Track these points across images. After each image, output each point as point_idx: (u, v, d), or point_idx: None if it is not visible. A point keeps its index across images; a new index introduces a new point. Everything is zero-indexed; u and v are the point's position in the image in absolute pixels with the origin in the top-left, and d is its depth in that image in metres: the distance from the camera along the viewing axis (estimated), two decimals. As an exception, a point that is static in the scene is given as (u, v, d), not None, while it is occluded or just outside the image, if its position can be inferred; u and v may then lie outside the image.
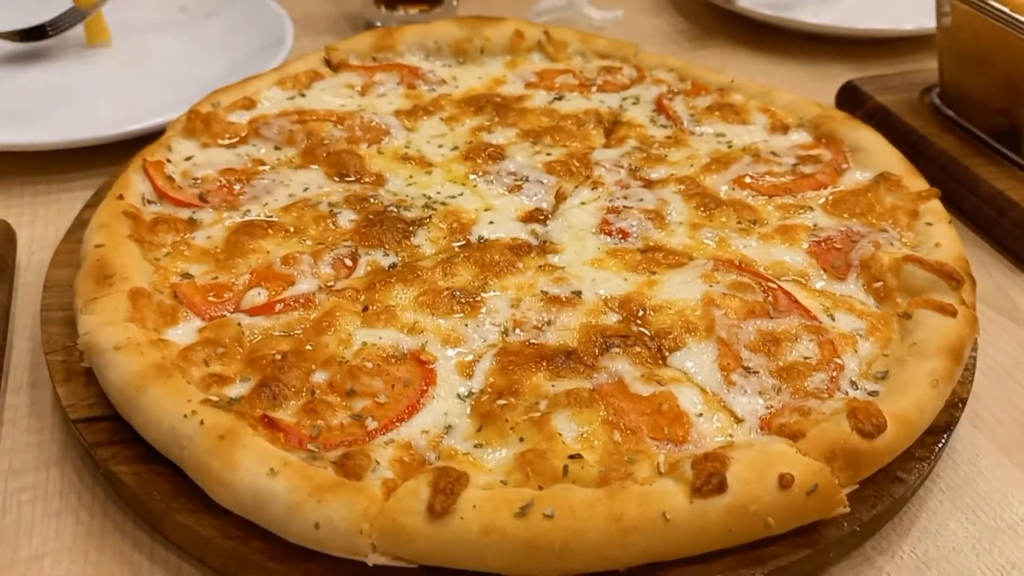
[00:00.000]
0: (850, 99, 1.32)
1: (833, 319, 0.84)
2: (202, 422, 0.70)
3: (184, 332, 0.81)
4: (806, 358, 0.79)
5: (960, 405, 0.80)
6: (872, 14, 1.59)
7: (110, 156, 1.14)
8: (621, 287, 0.87)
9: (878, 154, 1.06)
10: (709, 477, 0.65)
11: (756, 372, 0.78)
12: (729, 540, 0.66)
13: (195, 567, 0.72)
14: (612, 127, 1.15)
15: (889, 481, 0.73)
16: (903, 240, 0.93)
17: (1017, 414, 0.88)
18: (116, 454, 0.74)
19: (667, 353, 0.80)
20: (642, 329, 0.82)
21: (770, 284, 0.87)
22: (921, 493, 0.79)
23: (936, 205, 0.97)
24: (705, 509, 0.65)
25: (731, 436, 0.72)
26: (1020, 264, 1.07)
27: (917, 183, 1.00)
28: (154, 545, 0.74)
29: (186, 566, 0.73)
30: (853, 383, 0.78)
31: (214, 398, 0.74)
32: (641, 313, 0.84)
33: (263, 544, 0.67)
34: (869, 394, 0.76)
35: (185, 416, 0.70)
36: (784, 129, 1.13)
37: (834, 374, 0.78)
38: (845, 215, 0.97)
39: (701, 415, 0.74)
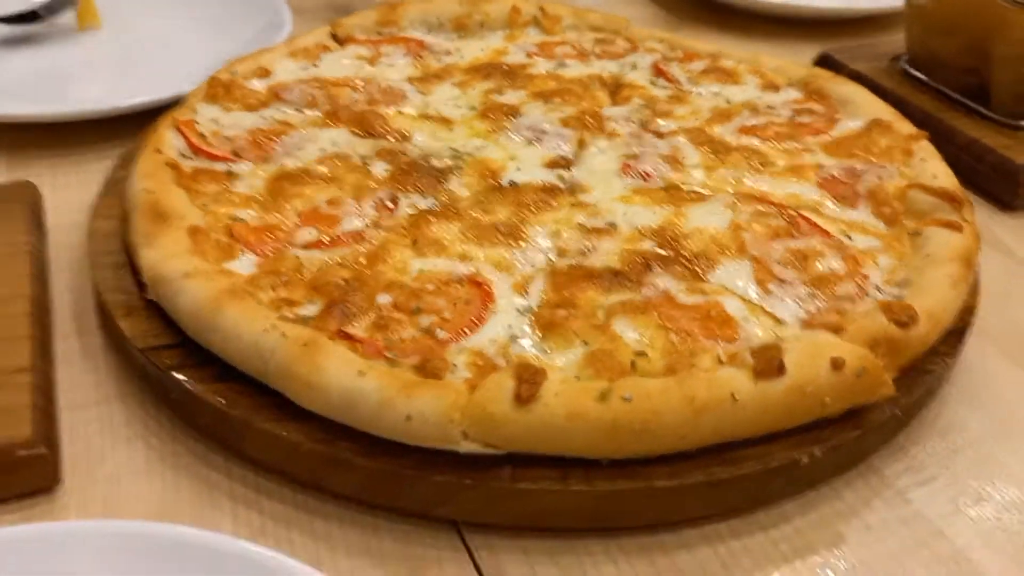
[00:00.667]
0: (826, 68, 1.41)
1: (850, 239, 0.90)
2: (284, 335, 0.72)
3: (244, 264, 0.83)
4: (833, 270, 0.85)
5: (971, 311, 0.87)
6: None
7: (119, 130, 1.15)
8: (652, 219, 0.92)
9: (866, 105, 1.14)
10: (770, 360, 0.70)
11: (790, 283, 0.84)
12: (791, 419, 0.72)
13: (272, 482, 0.75)
14: (616, 89, 1.21)
15: (919, 374, 0.80)
16: (902, 174, 1.00)
17: (1016, 327, 0.95)
18: (190, 375, 0.76)
19: (705, 271, 0.86)
20: (679, 254, 0.87)
21: (789, 211, 0.93)
22: (942, 394, 0.86)
23: (927, 145, 1.05)
24: (768, 390, 0.70)
25: (777, 335, 0.78)
26: (1000, 204, 1.16)
27: (906, 127, 1.08)
28: (229, 466, 0.76)
29: (263, 482, 0.75)
30: (879, 288, 0.84)
31: (290, 315, 0.76)
32: (675, 240, 0.89)
33: (351, 444, 0.70)
34: (895, 297, 0.82)
35: (265, 331, 0.73)
36: (775, 88, 1.21)
37: (861, 282, 0.84)
38: (846, 156, 1.04)
39: (747, 319, 0.79)
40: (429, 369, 0.71)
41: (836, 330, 0.76)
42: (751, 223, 0.90)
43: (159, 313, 0.81)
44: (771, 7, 1.64)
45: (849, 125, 1.11)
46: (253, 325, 0.74)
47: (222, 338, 0.74)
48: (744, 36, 1.61)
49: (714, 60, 1.27)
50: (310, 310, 0.78)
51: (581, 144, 1.06)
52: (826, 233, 0.91)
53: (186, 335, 0.78)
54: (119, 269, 0.87)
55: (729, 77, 1.23)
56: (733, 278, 0.84)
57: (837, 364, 0.71)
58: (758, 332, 0.78)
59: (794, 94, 1.19)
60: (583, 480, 0.69)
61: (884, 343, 0.75)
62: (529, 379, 0.68)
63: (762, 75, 1.23)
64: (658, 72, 1.25)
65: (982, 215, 1.14)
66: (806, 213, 0.93)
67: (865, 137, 1.07)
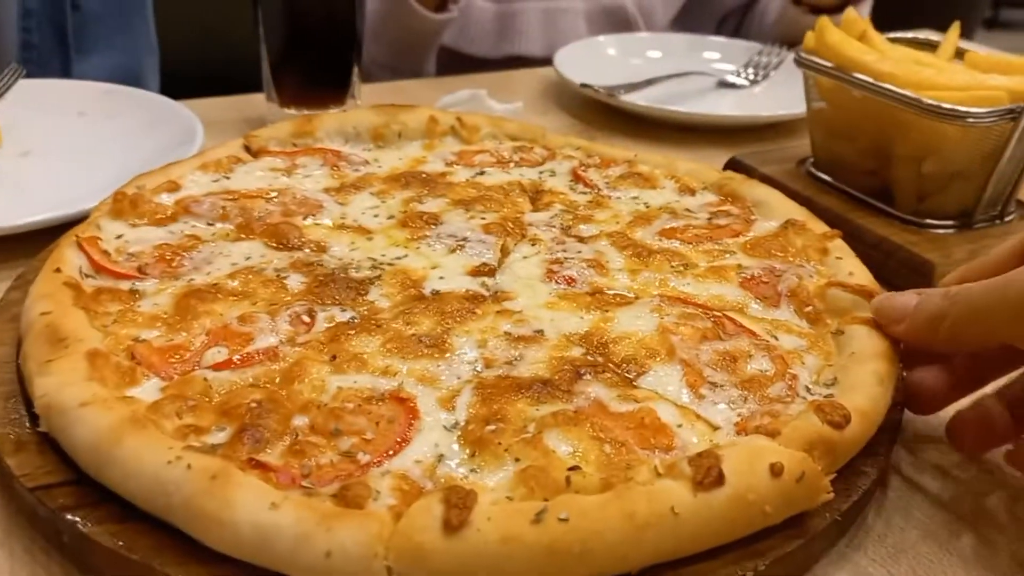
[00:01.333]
0: (736, 172, 1.44)
1: (777, 339, 0.90)
2: (189, 466, 0.67)
3: (147, 390, 0.78)
4: (763, 371, 0.85)
5: (900, 408, 0.87)
6: (740, 106, 1.77)
7: (17, 250, 1.09)
8: (579, 324, 0.91)
9: (779, 206, 1.16)
10: (708, 470, 0.68)
11: (721, 386, 0.82)
12: (733, 531, 0.69)
13: (179, 633, 0.68)
14: (536, 195, 1.21)
15: (855, 475, 0.78)
16: (820, 272, 1.01)
17: (946, 419, 0.95)
18: (86, 516, 0.69)
19: (636, 377, 0.84)
20: (608, 361, 0.85)
21: (714, 313, 0.93)
22: (880, 496, 0.84)
23: (840, 243, 1.07)
24: (709, 501, 0.67)
25: (712, 441, 0.76)
26: (911, 298, 1.19)
27: (820, 226, 1.10)
28: (130, 617, 0.69)
29: (169, 633, 0.68)
30: (808, 389, 0.83)
31: (196, 444, 0.71)
32: (603, 345, 0.87)
33: (266, 586, 0.64)
34: (825, 396, 0.82)
35: (169, 462, 0.67)
36: (691, 191, 1.23)
37: (791, 382, 0.83)
38: (764, 256, 1.05)
39: (680, 425, 0.77)
40: (350, 497, 0.66)
41: (771, 434, 0.75)
42: (678, 326, 0.89)
43: (54, 447, 0.74)
44: (681, 116, 1.69)
45: (765, 226, 1.13)
46: (155, 457, 0.68)
47: (121, 473, 0.68)
48: (656, 144, 1.65)
49: (631, 165, 1.29)
50: (219, 437, 0.73)
51: (504, 251, 1.05)
52: (752, 333, 0.90)
53: (83, 471, 0.72)
54: (9, 400, 0.80)
55: (647, 181, 1.25)
56: (664, 383, 0.83)
57: (776, 470, 0.69)
58: (693, 439, 0.76)
59: (710, 197, 1.21)
60: (520, 611, 0.64)
61: (820, 445, 0.74)
62: (459, 503, 0.63)
63: (678, 179, 1.25)
64: (577, 178, 1.26)
65: (898, 311, 1.16)
66: (731, 314, 0.93)
67: (781, 237, 1.08)
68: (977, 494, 0.85)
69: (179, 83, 1.85)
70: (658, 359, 0.85)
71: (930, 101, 1.17)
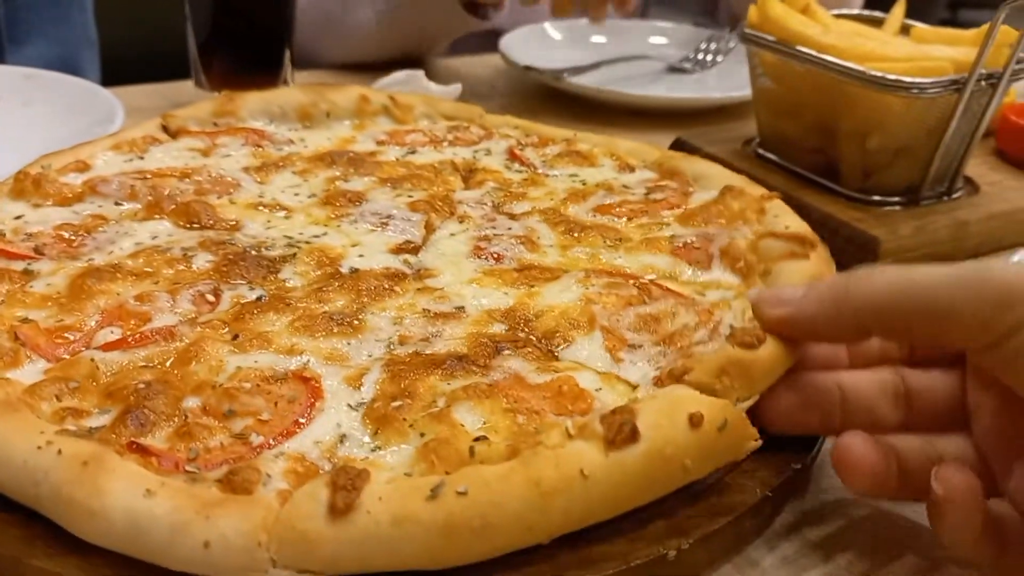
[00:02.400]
0: (681, 152, 1.41)
1: (704, 295, 0.87)
2: (60, 451, 0.61)
3: (31, 372, 0.72)
4: (686, 325, 0.81)
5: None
6: (688, 90, 1.74)
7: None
8: (503, 300, 0.86)
9: (719, 177, 1.11)
10: (620, 427, 0.63)
11: (640, 346, 0.79)
12: (651, 491, 0.64)
13: (52, 632, 0.62)
14: (469, 174, 1.16)
15: (788, 450, 0.74)
16: (755, 232, 0.97)
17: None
18: (-51, 509, 0.63)
19: (557, 351, 0.79)
20: (530, 335, 0.81)
21: (641, 280, 0.89)
22: (816, 475, 0.80)
23: (779, 203, 1.02)
24: (622, 459, 0.62)
25: (632, 400, 0.71)
26: (857, 275, 1.15)
27: (758, 190, 1.06)
28: (-1, 614, 0.63)
29: (40, 632, 0.62)
30: (731, 327, 0.78)
31: (72, 427, 0.65)
32: (526, 320, 0.82)
33: (141, 580, 0.58)
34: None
35: (39, 448, 0.61)
36: (631, 169, 1.18)
37: (713, 327, 0.80)
38: (700, 224, 1.00)
39: (600, 389, 0.73)
40: (237, 482, 0.61)
41: (683, 372, 0.71)
42: (602, 296, 0.85)
43: (-81, 437, 0.68)
44: (627, 98, 1.65)
45: (703, 196, 1.08)
46: (25, 442, 0.62)
47: (-13, 460, 0.62)
48: (602, 128, 1.59)
49: (569, 144, 1.24)
50: (100, 420, 0.67)
51: (429, 228, 1.00)
52: (679, 294, 0.86)
53: (-51, 460, 0.65)
54: None
55: (585, 160, 1.20)
56: (584, 352, 0.78)
57: (695, 420, 0.64)
58: (612, 401, 0.71)
59: (649, 174, 1.17)
60: (421, 599, 0.59)
61: (732, 368, 0.70)
62: (347, 485, 0.58)
63: (617, 157, 1.21)
64: (513, 157, 1.21)
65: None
66: (660, 281, 0.89)
67: (719, 204, 1.03)
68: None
69: (119, 76, 1.78)
70: (580, 330, 0.80)
71: (874, 72, 1.14)
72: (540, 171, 1.17)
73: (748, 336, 0.71)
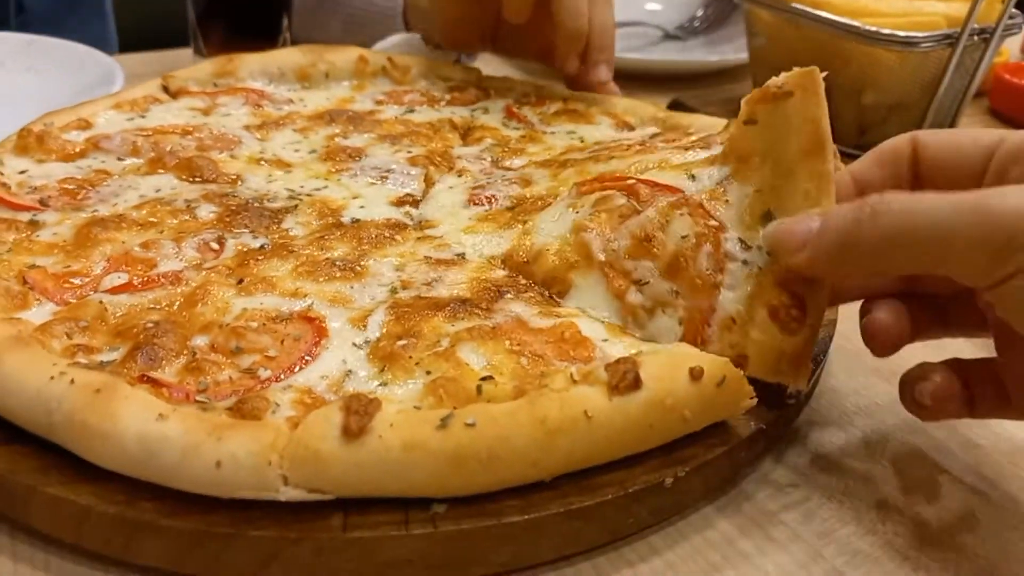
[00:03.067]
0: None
1: (694, 179, 0.80)
2: (72, 381, 0.63)
3: (38, 314, 0.73)
4: (683, 236, 0.76)
5: (833, 324, 0.85)
6: (684, 54, 1.75)
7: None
8: (500, 245, 0.87)
9: (719, 126, 1.12)
10: (624, 374, 0.65)
11: (647, 282, 0.76)
12: (650, 437, 0.66)
13: (66, 558, 0.63)
14: (467, 132, 1.17)
15: (781, 387, 0.75)
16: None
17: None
18: (-36, 440, 0.65)
19: (559, 298, 0.80)
20: (530, 281, 0.82)
21: (627, 182, 0.85)
22: (809, 411, 0.82)
23: None
24: (624, 405, 0.64)
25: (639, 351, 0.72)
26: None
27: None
28: (15, 544, 0.64)
29: (55, 559, 0.63)
30: (742, 242, 0.74)
31: (83, 361, 0.66)
32: (523, 264, 0.83)
33: (154, 503, 0.60)
34: (759, 248, 0.73)
35: (52, 378, 0.63)
36: (629, 127, 1.19)
37: (715, 242, 0.74)
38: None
39: (606, 340, 0.74)
40: (246, 410, 0.62)
41: (741, 364, 0.70)
42: (593, 218, 0.81)
43: (-67, 374, 0.69)
44: (623, 62, 1.65)
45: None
46: (38, 373, 0.64)
47: (2, 391, 0.64)
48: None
49: (567, 103, 1.25)
50: (111, 356, 0.69)
51: (428, 181, 1.01)
52: (667, 187, 0.81)
53: (-37, 396, 0.67)
54: None
55: (582, 118, 1.21)
56: (589, 299, 0.78)
57: (695, 374, 0.66)
58: (616, 352, 0.72)
59: (652, 129, 1.17)
60: (427, 522, 0.60)
61: (786, 359, 0.70)
62: (360, 410, 0.60)
63: (614, 115, 1.22)
64: (510, 115, 1.22)
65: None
66: (648, 175, 0.85)
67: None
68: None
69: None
70: (578, 270, 0.79)
71: (868, 27, 1.16)
72: (538, 128, 1.18)
73: (789, 320, 0.70)
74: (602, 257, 0.79)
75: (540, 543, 0.63)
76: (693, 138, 1.02)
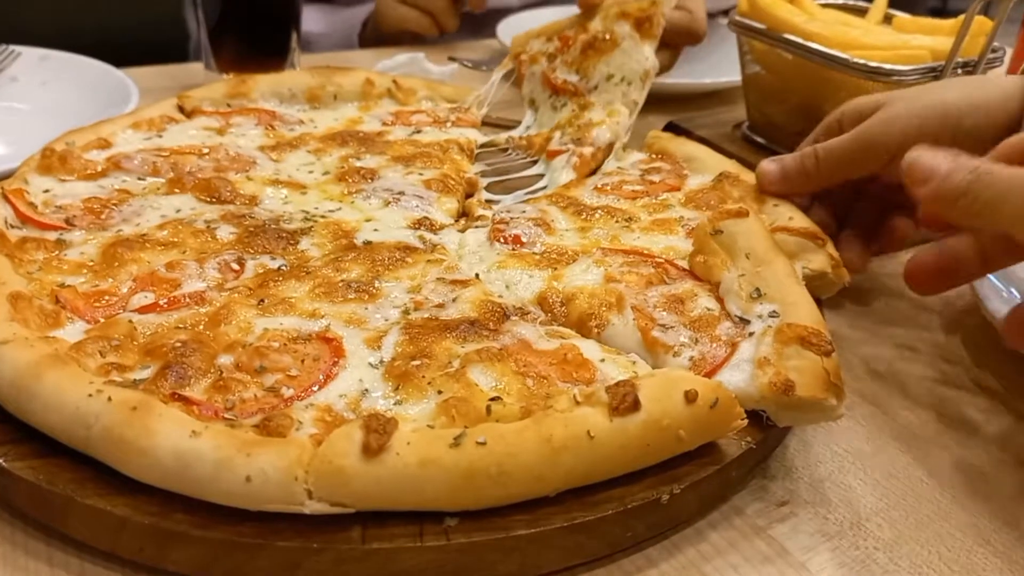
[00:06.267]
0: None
1: None
2: (110, 398, 0.67)
3: (71, 332, 0.78)
4: (709, 309, 0.86)
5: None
6: (679, 76, 1.80)
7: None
8: (531, 286, 0.91)
9: (709, 160, 1.18)
10: (624, 396, 0.69)
11: (672, 327, 0.84)
12: (648, 456, 0.71)
13: (99, 565, 0.68)
14: (473, 154, 1.22)
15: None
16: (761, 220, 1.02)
17: (863, 360, 0.98)
18: (6, 452, 0.69)
19: (599, 334, 0.85)
20: (567, 319, 0.87)
21: (656, 259, 0.94)
22: (794, 431, 0.87)
23: None
24: (624, 426, 0.69)
25: (633, 373, 0.77)
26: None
27: (751, 177, 1.12)
28: (51, 551, 0.69)
29: (89, 566, 0.68)
30: (759, 316, 0.84)
31: (118, 379, 0.71)
32: (559, 305, 0.88)
33: (186, 515, 0.64)
34: (771, 315, 0.83)
35: (90, 396, 0.67)
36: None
37: (736, 321, 0.85)
38: (704, 208, 1.06)
39: (603, 360, 0.79)
40: (272, 427, 0.67)
41: (787, 389, 0.75)
42: (623, 274, 0.90)
43: (-27, 388, 0.74)
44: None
45: (698, 180, 1.14)
46: (76, 390, 0.68)
47: (42, 407, 0.68)
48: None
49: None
50: (143, 374, 0.73)
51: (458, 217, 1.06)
52: (694, 275, 0.92)
53: (3, 410, 0.71)
54: (-73, 345, 0.79)
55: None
56: (621, 333, 0.84)
57: (690, 397, 0.71)
58: (614, 373, 0.77)
59: (639, 155, 1.23)
60: (440, 535, 0.65)
61: (830, 377, 0.77)
62: (379, 429, 0.64)
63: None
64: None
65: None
66: (678, 261, 0.94)
67: (718, 190, 1.09)
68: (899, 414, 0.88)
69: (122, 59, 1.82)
70: (612, 310, 0.85)
71: (856, 60, 1.20)
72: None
73: (822, 344, 0.78)
74: (634, 302, 0.86)
75: (545, 555, 0.67)
76: (691, 187, 1.12)
